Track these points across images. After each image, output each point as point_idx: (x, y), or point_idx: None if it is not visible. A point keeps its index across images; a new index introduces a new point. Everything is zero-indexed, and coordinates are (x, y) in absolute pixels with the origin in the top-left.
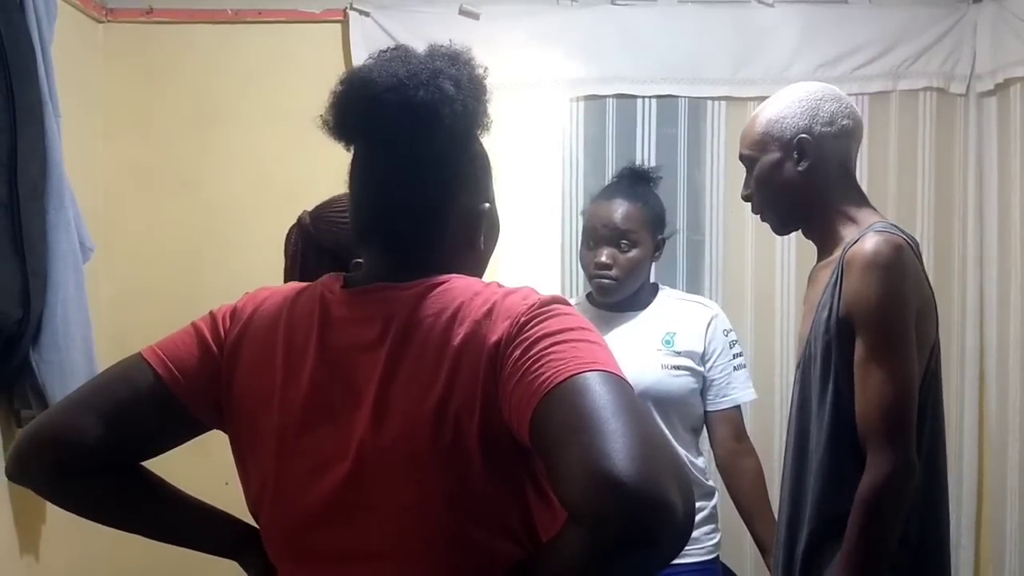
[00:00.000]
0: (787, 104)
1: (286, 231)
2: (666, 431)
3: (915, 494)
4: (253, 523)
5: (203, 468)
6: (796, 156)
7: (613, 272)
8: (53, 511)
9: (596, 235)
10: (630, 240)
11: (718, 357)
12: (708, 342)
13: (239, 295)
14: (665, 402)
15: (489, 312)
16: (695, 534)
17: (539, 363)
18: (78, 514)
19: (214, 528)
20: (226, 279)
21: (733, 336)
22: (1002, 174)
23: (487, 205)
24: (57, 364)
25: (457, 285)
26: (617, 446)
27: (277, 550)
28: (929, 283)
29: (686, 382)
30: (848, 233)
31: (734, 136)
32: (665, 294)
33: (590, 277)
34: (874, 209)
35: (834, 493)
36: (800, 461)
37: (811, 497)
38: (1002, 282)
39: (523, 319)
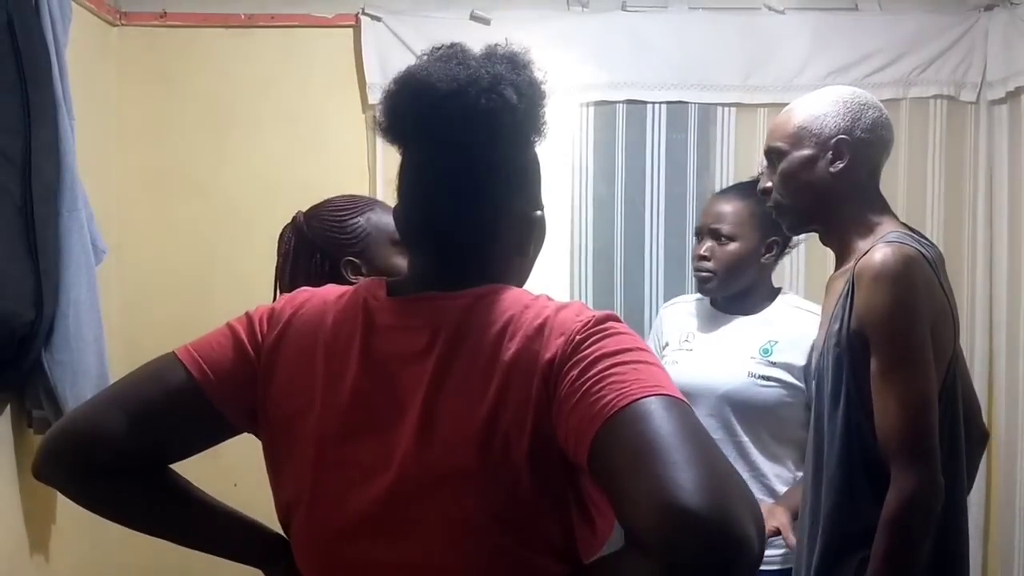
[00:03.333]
0: (830, 103)
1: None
2: (748, 441)
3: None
4: (277, 530)
5: (213, 470)
6: (831, 156)
7: (709, 264)
8: (63, 511)
9: (700, 229)
10: (727, 234)
11: None
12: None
13: (249, 297)
14: (748, 411)
15: (541, 328)
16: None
17: (599, 385)
18: (103, 516)
19: (241, 535)
20: (237, 282)
21: None
22: (1013, 182)
23: (539, 213)
24: (69, 365)
25: (506, 296)
26: (687, 476)
27: (309, 560)
28: (947, 294)
29: (776, 394)
30: (864, 243)
31: (743, 142)
32: (783, 300)
33: (693, 272)
34: (895, 218)
35: (845, 511)
36: (818, 476)
37: (823, 513)
38: (1012, 290)
39: (578, 337)
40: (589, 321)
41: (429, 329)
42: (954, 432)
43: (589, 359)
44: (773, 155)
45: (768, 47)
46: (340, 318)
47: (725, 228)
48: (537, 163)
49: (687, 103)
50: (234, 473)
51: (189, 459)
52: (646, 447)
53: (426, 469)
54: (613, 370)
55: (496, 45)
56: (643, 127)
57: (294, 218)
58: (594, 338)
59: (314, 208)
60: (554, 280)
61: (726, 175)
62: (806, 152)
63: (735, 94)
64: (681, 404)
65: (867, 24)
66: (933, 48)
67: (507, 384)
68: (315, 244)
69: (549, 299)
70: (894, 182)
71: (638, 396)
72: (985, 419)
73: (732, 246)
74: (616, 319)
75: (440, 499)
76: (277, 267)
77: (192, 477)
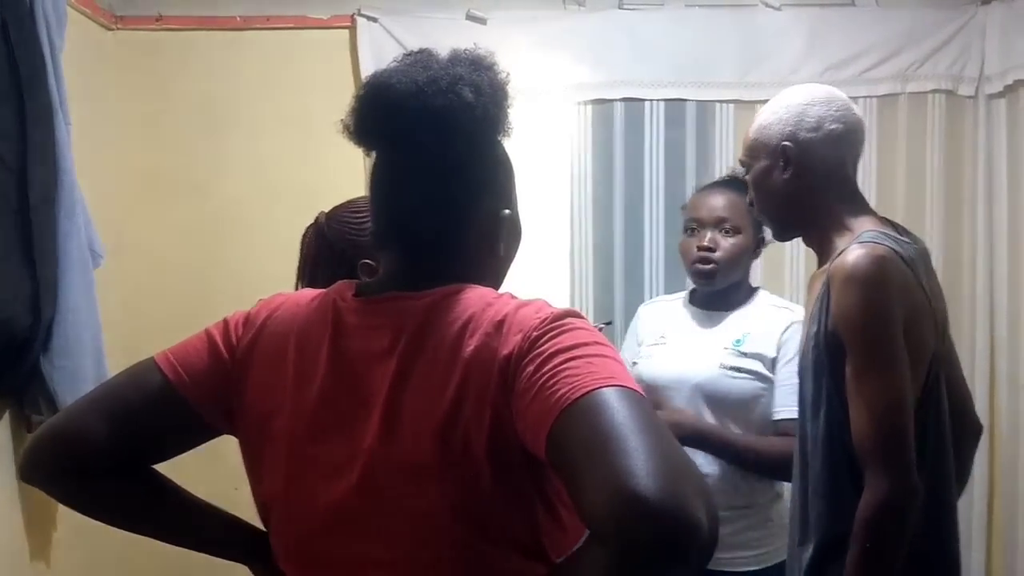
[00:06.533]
0: (775, 110)
1: (296, 236)
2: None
3: (920, 511)
4: (261, 526)
5: (214, 472)
6: (782, 164)
7: (716, 255)
8: (64, 517)
9: (699, 221)
10: (733, 226)
11: (788, 363)
12: (781, 345)
13: (248, 300)
14: (719, 402)
15: (500, 324)
16: (742, 539)
17: (554, 379)
18: (87, 515)
19: (222, 531)
20: (235, 285)
21: None
22: (1011, 176)
23: (508, 212)
24: (67, 369)
25: (470, 295)
26: (640, 464)
27: (285, 556)
28: (927, 292)
29: (749, 386)
30: (842, 241)
31: (742, 139)
32: (761, 297)
33: (690, 264)
34: (873, 214)
35: (832, 513)
36: (804, 480)
37: (812, 517)
38: (1012, 283)
39: (535, 334)
40: (547, 318)
41: (392, 328)
42: (940, 431)
43: (545, 355)
44: (744, 167)
45: (765, 43)
46: (311, 320)
47: (730, 220)
48: (505, 163)
49: (685, 101)
50: (236, 477)
51: (191, 463)
52: (599, 436)
53: (390, 465)
54: (568, 364)
55: (464, 49)
56: (641, 125)
57: (316, 218)
58: (551, 334)
59: (335, 209)
60: (554, 279)
61: (725, 172)
62: (762, 164)
63: (733, 91)
64: (634, 394)
65: (864, 19)
66: (931, 42)
67: (466, 380)
68: (334, 246)
69: (513, 297)
70: (892, 176)
71: (591, 388)
72: (987, 413)
73: (737, 238)
74: (576, 315)
75: (404, 494)
76: (298, 267)
77: (193, 479)
